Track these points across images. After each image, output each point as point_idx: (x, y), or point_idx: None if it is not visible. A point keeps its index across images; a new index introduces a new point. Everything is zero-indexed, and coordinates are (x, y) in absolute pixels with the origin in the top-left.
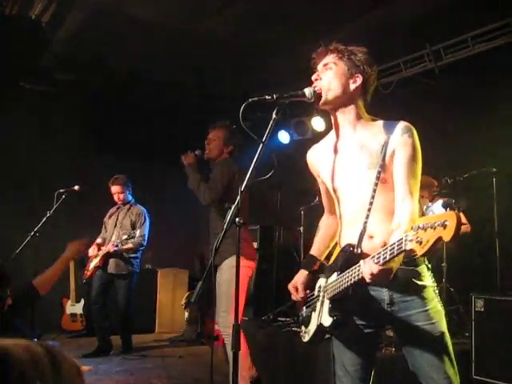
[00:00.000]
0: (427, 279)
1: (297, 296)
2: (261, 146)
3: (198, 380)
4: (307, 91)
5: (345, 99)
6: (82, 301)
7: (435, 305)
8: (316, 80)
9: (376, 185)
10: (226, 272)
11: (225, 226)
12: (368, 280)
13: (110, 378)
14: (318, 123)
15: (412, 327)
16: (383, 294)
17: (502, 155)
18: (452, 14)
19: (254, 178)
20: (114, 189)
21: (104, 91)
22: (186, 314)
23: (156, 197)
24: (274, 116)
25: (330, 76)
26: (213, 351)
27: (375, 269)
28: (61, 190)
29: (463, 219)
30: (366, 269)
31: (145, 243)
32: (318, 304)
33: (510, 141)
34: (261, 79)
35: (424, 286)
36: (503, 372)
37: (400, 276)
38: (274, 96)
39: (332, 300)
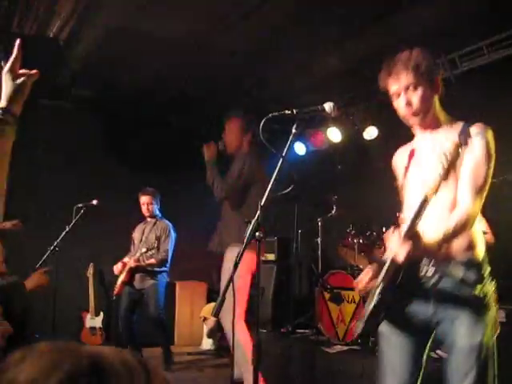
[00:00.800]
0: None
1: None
2: (280, 159)
3: None
4: (327, 106)
5: (430, 109)
6: (102, 314)
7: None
8: (407, 105)
9: (440, 183)
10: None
11: (245, 241)
12: (395, 256)
13: None
14: (334, 134)
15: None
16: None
17: None
18: (467, 23)
19: (273, 192)
20: (144, 199)
21: (119, 107)
22: (205, 327)
23: (173, 209)
24: (293, 131)
25: (418, 97)
26: (233, 364)
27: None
28: (79, 205)
29: (486, 228)
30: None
31: (168, 259)
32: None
33: None
34: (275, 92)
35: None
36: None
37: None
38: (294, 111)
39: (383, 283)
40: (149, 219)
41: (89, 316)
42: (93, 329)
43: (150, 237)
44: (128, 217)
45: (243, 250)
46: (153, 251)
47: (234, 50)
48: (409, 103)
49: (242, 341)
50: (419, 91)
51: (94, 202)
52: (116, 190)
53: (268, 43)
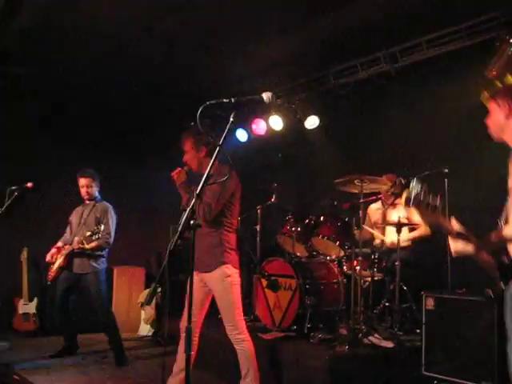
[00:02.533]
0: None
1: None
2: (218, 148)
3: (153, 380)
4: (265, 96)
5: None
6: (35, 300)
7: None
8: None
9: None
10: (219, 283)
11: (179, 229)
12: None
13: (62, 378)
14: (275, 122)
15: None
16: None
17: (454, 156)
18: (408, 18)
19: (209, 181)
20: (83, 181)
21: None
22: (143, 314)
23: (110, 192)
24: (231, 119)
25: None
26: (165, 351)
27: None
28: (13, 188)
29: (422, 222)
30: None
31: (111, 241)
32: None
33: (460, 141)
34: (216, 80)
35: None
36: (451, 369)
37: None
38: (232, 99)
39: None
40: (87, 202)
41: (22, 302)
42: (26, 315)
43: (89, 220)
44: (64, 199)
45: (178, 238)
46: (98, 235)
47: (175, 37)
48: None
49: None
50: None
51: (29, 184)
52: (51, 172)
53: (210, 31)
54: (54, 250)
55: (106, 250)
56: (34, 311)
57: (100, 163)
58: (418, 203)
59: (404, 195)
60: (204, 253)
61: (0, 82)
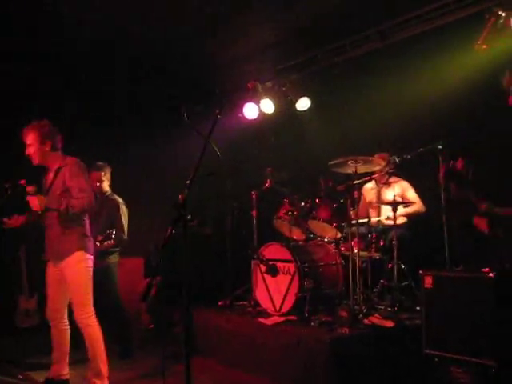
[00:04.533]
0: None
1: None
2: (205, 142)
3: (154, 370)
4: (250, 86)
5: None
6: (36, 295)
7: None
8: None
9: None
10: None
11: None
12: None
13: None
14: (267, 105)
15: None
16: None
17: (446, 132)
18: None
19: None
20: (94, 176)
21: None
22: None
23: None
24: (217, 111)
25: None
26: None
27: None
28: (6, 185)
29: (416, 199)
30: None
31: (125, 237)
32: None
33: (453, 117)
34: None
35: None
36: (452, 345)
37: None
38: (217, 91)
39: None
40: (98, 196)
41: (22, 298)
42: (27, 311)
43: (100, 217)
44: None
45: (171, 230)
46: (110, 240)
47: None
48: None
49: None
50: None
51: (22, 181)
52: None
53: (197, 13)
54: None
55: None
56: (35, 307)
57: (96, 153)
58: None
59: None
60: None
61: None
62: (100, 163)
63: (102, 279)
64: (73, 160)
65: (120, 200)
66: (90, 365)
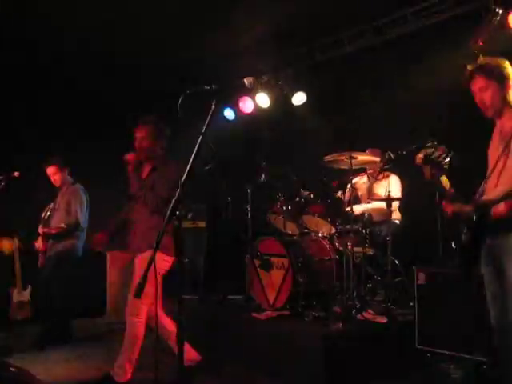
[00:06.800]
0: None
1: None
2: (200, 137)
3: (147, 361)
4: (246, 81)
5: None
6: (30, 287)
7: None
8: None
9: (501, 155)
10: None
11: (165, 220)
12: None
13: (59, 366)
14: (262, 99)
15: None
16: None
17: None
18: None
19: (194, 168)
20: (49, 171)
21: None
22: None
23: (102, 177)
24: (213, 107)
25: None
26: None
27: None
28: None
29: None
30: None
31: (82, 223)
32: None
33: (447, 115)
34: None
35: None
36: (444, 342)
37: None
38: (213, 87)
39: None
40: (62, 188)
41: (16, 290)
42: (20, 303)
43: (61, 204)
44: (54, 187)
45: (164, 231)
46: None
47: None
48: None
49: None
50: None
51: (16, 173)
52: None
53: (194, 5)
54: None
55: (82, 234)
56: (29, 299)
57: (90, 149)
58: (428, 162)
59: (421, 154)
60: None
61: None
62: (53, 157)
63: (54, 264)
64: None
65: (79, 186)
66: (119, 357)
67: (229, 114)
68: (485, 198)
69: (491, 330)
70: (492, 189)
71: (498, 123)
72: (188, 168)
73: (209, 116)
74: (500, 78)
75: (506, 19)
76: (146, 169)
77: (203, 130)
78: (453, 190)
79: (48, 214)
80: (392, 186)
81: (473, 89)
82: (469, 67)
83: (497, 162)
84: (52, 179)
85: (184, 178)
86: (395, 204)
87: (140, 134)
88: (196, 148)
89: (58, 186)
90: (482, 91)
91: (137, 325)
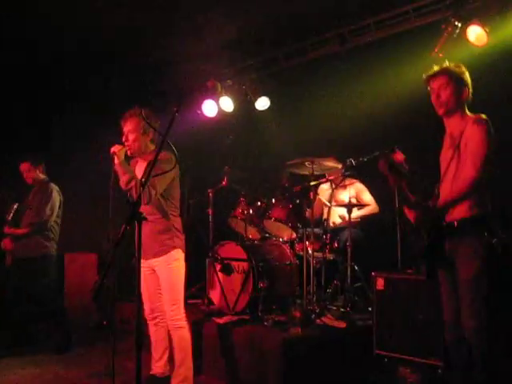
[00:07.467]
0: None
1: None
2: (162, 139)
3: (106, 367)
4: (210, 84)
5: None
6: None
7: None
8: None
9: (451, 159)
10: (169, 265)
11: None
12: None
13: (13, 372)
14: (226, 103)
15: None
16: None
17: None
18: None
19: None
20: (22, 167)
21: None
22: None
23: (62, 175)
24: (174, 109)
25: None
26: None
27: None
28: None
29: (371, 201)
30: None
31: (47, 222)
32: None
33: (407, 123)
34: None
35: None
36: (401, 347)
37: None
38: (175, 89)
39: None
40: (35, 186)
41: None
42: None
43: (32, 202)
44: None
45: (125, 227)
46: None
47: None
48: None
49: None
50: None
51: None
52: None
53: (162, 10)
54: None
55: (49, 233)
56: None
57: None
58: (392, 169)
59: (385, 161)
60: (152, 240)
61: None
62: (27, 154)
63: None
64: None
65: (53, 186)
66: (176, 371)
67: (210, 109)
68: (441, 203)
69: (444, 330)
70: (446, 193)
71: (448, 127)
72: (148, 170)
73: (171, 119)
74: (460, 82)
75: (465, 32)
76: (139, 164)
77: (165, 132)
78: (414, 197)
79: (11, 215)
80: (364, 193)
81: (432, 86)
82: (435, 67)
83: (448, 165)
84: (25, 176)
85: (146, 177)
86: (362, 212)
87: (127, 128)
88: (157, 151)
89: (30, 183)
90: (442, 89)
91: (187, 328)
